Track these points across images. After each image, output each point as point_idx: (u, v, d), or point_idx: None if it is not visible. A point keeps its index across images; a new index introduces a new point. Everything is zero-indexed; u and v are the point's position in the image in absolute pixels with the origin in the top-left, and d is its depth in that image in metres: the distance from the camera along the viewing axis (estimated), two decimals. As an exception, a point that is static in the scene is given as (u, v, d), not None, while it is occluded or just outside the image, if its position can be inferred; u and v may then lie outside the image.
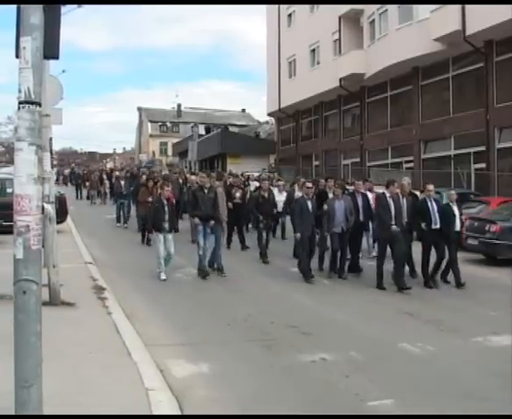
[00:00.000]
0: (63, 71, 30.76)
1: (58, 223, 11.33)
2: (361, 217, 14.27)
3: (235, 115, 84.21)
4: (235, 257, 15.57)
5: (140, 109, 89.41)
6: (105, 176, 37.63)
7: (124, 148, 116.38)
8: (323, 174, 37.38)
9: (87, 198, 37.07)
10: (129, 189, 23.09)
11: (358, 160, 37.39)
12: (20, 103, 4.07)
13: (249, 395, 6.22)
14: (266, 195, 15.95)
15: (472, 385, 6.66)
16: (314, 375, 6.89)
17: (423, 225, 12.69)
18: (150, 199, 17.40)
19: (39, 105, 4.14)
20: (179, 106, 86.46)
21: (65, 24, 4.47)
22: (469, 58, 27.98)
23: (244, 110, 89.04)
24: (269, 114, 51.57)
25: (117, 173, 35.00)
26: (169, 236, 12.96)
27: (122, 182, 24.12)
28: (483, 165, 27.22)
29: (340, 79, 36.73)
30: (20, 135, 4.07)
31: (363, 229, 14.79)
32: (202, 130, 63.54)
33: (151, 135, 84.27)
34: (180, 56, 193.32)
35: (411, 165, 32.09)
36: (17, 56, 4.11)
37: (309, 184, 13.93)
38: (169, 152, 78.92)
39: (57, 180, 34.27)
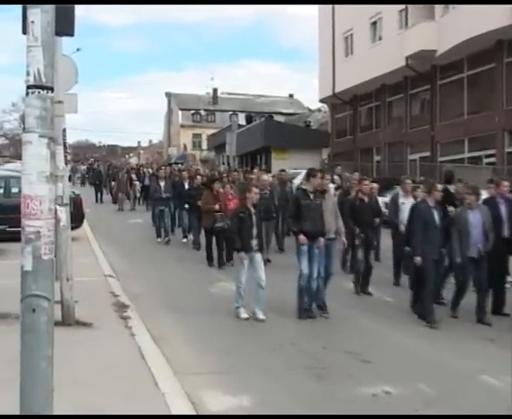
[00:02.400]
0: (77, 49, 30.88)
1: (72, 228, 11.48)
2: (505, 232, 12.07)
3: (281, 102, 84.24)
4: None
5: (169, 95, 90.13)
6: (133, 175, 35.99)
7: (150, 141, 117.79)
8: (386, 171, 37.14)
9: (114, 202, 35.63)
10: (171, 192, 21.86)
11: (428, 154, 36.93)
12: (29, 87, 4.09)
13: (297, 435, 6.19)
14: (366, 199, 14.11)
15: None
16: (376, 411, 6.82)
17: None
18: (217, 207, 16.51)
19: (51, 90, 4.16)
20: (215, 91, 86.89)
21: (80, -6, 4.51)
22: None
23: (291, 95, 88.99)
24: (321, 100, 51.45)
25: (150, 170, 34.18)
26: (259, 256, 11.35)
27: (162, 183, 22.21)
28: None
29: (406, 58, 36.38)
30: (29, 126, 4.10)
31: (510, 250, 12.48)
32: (242, 119, 63.62)
33: (182, 126, 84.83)
34: (215, 32, 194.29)
35: (493, 160, 31.61)
36: (25, 32, 4.14)
37: (440, 186, 12.04)
38: (204, 145, 79.32)
39: (70, 178, 33.92)
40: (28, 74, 4.08)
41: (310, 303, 11.45)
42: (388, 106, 42.10)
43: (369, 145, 44.00)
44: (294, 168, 32.37)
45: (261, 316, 10.91)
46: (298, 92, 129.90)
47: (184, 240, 21.08)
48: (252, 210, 11.44)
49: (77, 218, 17.68)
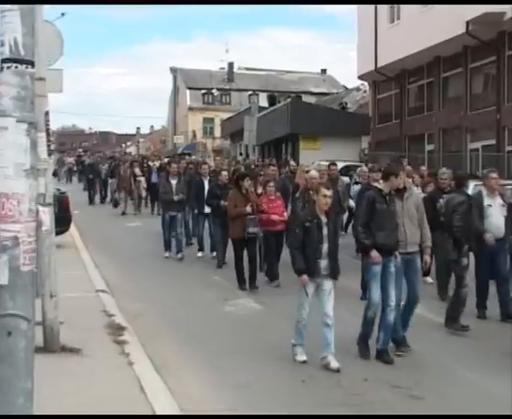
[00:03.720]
0: (62, 14, 30.76)
1: (58, 233, 11.51)
2: None
3: (311, 79, 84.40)
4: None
5: (174, 70, 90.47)
6: (137, 169, 34.53)
7: (152, 127, 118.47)
8: (441, 163, 36.89)
9: (114, 205, 34.51)
10: (185, 194, 20.91)
11: (493, 142, 36.67)
12: (3, 61, 4.11)
13: None
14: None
15: None
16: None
17: None
18: (249, 209, 15.77)
19: (31, 64, 4.17)
20: (231, 65, 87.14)
21: None
22: None
23: (324, 71, 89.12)
24: (360, 77, 51.34)
25: (157, 163, 33.35)
26: (328, 284, 10.13)
27: (173, 182, 20.94)
28: None
29: (467, 23, 36.10)
30: (4, 108, 4.12)
31: None
32: (263, 101, 63.73)
33: (191, 108, 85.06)
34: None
35: None
36: (-2, -7, 4.15)
37: None
38: (217, 132, 79.47)
39: (55, 173, 32.92)
40: (2, 45, 4.09)
41: (387, 340, 10.53)
42: (443, 84, 41.85)
43: (419, 131, 43.81)
44: (328, 160, 32.34)
45: (335, 364, 9.72)
46: (332, 66, 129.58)
47: (199, 254, 20.43)
48: (324, 220, 10.20)
49: (63, 221, 17.71)
